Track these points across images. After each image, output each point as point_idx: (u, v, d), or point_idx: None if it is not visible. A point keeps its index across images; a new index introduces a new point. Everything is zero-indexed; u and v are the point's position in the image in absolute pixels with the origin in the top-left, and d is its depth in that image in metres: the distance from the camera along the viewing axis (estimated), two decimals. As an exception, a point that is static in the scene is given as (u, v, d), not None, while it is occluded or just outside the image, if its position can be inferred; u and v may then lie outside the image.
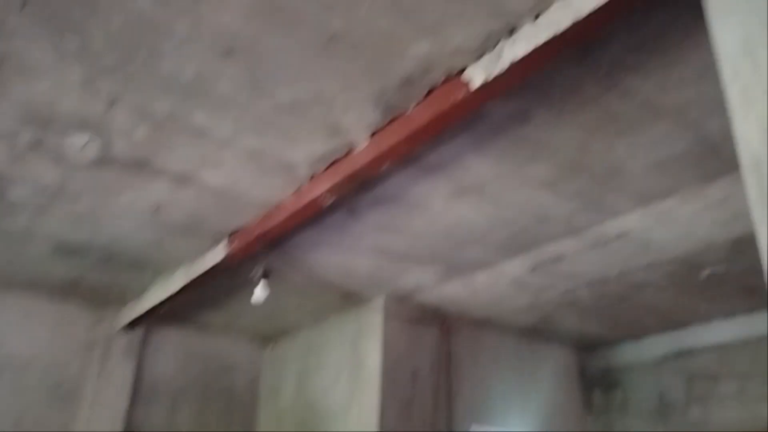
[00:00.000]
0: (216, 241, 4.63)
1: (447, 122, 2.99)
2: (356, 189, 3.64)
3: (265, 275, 4.23)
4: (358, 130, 3.27)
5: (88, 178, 3.81)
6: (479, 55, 2.70)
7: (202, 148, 3.49)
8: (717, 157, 3.41)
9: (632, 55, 2.66)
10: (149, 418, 6.32)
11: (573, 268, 4.86)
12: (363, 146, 3.36)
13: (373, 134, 3.29)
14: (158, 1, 2.49)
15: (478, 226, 4.26)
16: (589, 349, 7.13)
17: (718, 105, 2.88)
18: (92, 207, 4.18)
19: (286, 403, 6.66)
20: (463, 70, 2.79)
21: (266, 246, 4.31)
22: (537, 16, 2.45)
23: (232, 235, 4.48)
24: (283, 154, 3.51)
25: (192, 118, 3.23)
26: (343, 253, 4.75)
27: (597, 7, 2.21)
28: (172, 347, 6.70)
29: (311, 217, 3.97)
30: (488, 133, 3.24)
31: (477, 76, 2.70)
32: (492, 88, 2.70)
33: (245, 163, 3.62)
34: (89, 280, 5.58)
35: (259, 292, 4.23)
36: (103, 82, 2.96)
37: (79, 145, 3.46)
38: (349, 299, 5.70)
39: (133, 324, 6.09)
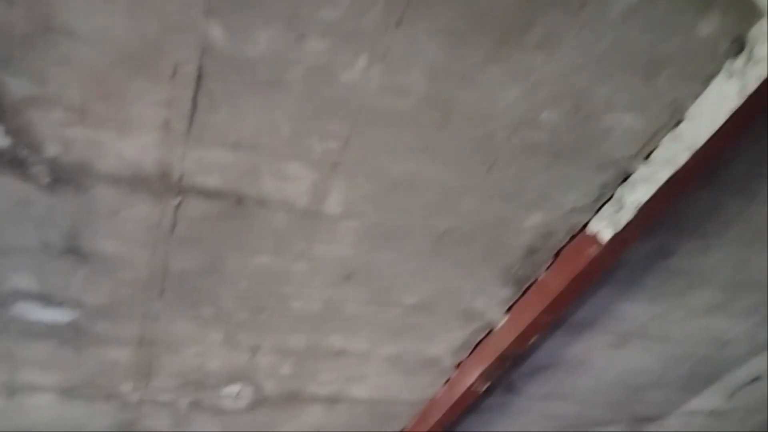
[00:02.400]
0: (379, 450, 4.45)
1: (585, 280, 2.80)
2: (508, 367, 3.42)
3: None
4: (493, 309, 3.14)
5: (247, 421, 3.85)
6: (598, 208, 2.56)
7: (344, 368, 3.46)
8: None
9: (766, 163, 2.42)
10: None
11: (778, 384, 4.19)
12: (503, 323, 3.20)
13: (509, 309, 3.14)
14: (275, 253, 2.60)
15: (652, 369, 3.83)
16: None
17: None
18: (255, 446, 4.19)
19: None
20: (585, 225, 2.66)
21: (431, 444, 4.08)
22: (648, 156, 2.31)
23: (395, 440, 4.30)
24: (423, 352, 3.41)
25: (328, 344, 3.24)
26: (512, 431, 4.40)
27: (712, 134, 2.04)
28: None
29: (469, 405, 3.75)
30: (632, 277, 3.00)
31: (603, 228, 2.55)
32: (624, 236, 2.52)
33: (388, 371, 3.54)
34: None
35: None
36: (242, 335, 3.06)
37: (233, 395, 3.54)
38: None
39: None
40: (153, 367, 3.17)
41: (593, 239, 2.60)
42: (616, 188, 2.47)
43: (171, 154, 2.07)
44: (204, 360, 3.21)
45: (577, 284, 2.79)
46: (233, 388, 3.51)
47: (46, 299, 2.62)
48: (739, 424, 4.72)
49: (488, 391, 3.65)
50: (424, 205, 2.46)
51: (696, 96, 2.10)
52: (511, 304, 3.11)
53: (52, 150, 1.99)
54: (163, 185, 2.18)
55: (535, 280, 2.95)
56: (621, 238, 2.51)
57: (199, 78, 1.87)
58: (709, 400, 4.25)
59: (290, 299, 2.89)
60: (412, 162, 2.24)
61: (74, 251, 2.40)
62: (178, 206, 2.29)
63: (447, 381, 3.72)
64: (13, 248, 2.34)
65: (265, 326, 3.03)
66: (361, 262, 2.72)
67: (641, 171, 2.34)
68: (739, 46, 1.95)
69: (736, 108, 1.95)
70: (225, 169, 2.17)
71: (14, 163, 2.01)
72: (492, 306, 3.11)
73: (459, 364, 3.57)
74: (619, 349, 3.55)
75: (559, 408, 4.15)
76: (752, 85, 1.89)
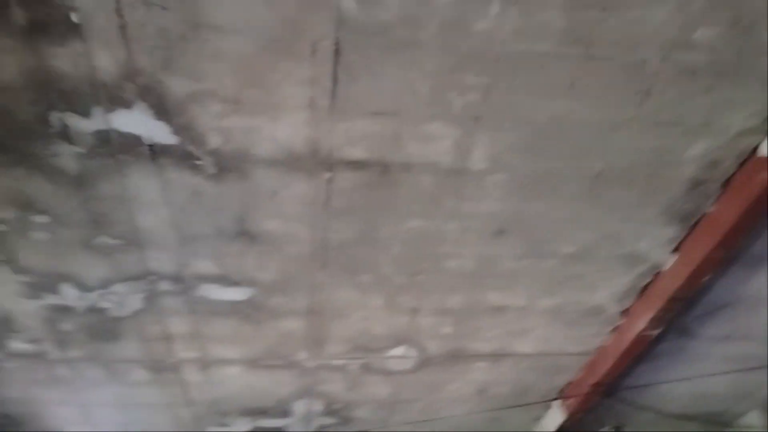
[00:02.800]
0: (549, 404, 4.41)
1: (759, 208, 2.55)
2: (680, 310, 3.22)
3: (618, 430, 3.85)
4: (658, 250, 2.96)
5: (415, 381, 3.99)
6: (771, 126, 2.32)
7: (506, 323, 3.45)
8: None
9: None
10: None
11: None
12: (670, 264, 3.01)
13: (676, 248, 2.95)
14: (425, 215, 2.64)
15: None
16: None
17: None
18: (426, 405, 4.32)
19: None
20: (756, 149, 2.41)
21: (604, 394, 3.96)
22: (828, 60, 2.04)
23: (564, 392, 4.23)
24: (585, 302, 3.31)
25: (487, 301, 3.24)
26: (691, 378, 4.15)
27: None
28: None
29: (641, 351, 3.59)
30: (819, 199, 2.68)
31: (778, 148, 2.30)
32: (803, 154, 2.26)
33: (550, 323, 3.48)
34: (443, 470, 5.67)
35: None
36: (401, 298, 3.16)
37: (399, 357, 3.67)
38: (717, 422, 4.87)
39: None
40: (324, 335, 3.37)
41: (765, 162, 2.36)
42: (790, 103, 2.21)
43: (319, 131, 2.16)
44: (369, 325, 3.35)
45: (752, 213, 2.56)
46: (398, 350, 3.64)
47: (225, 280, 2.87)
48: None
49: (660, 337, 3.47)
50: (575, 147, 2.36)
51: None
52: (678, 243, 2.92)
53: (214, 141, 2.15)
54: (315, 162, 2.29)
55: (704, 214, 2.74)
56: (801, 156, 2.25)
57: (337, 52, 1.92)
58: None
59: (445, 259, 2.92)
60: (557, 103, 2.16)
61: (244, 233, 2.60)
62: (329, 181, 2.39)
63: (614, 329, 3.58)
64: (192, 236, 2.58)
65: (423, 288, 3.10)
66: (512, 215, 2.68)
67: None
68: None
69: None
70: (369, 138, 2.23)
71: (184, 158, 2.21)
72: (657, 247, 2.94)
73: (625, 311, 3.42)
74: (809, 280, 3.22)
75: (743, 349, 3.85)
76: None
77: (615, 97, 2.15)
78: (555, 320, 3.47)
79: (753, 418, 4.77)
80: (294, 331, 3.30)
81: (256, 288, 2.94)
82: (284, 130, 2.13)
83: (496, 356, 3.79)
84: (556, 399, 4.31)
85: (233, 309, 3.07)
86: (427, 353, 3.68)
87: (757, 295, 3.34)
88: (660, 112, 2.23)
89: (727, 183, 2.59)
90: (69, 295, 2.81)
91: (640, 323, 3.31)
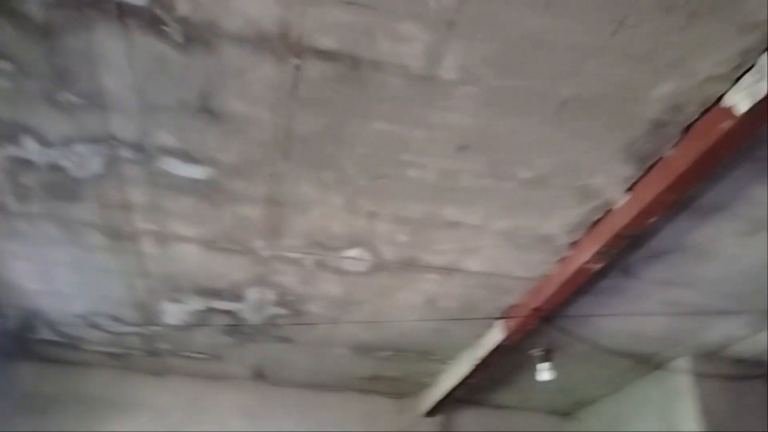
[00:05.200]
0: (492, 323, 4.61)
1: (716, 157, 2.62)
2: (625, 248, 3.34)
3: (547, 357, 4.04)
4: (612, 187, 3.04)
5: (367, 285, 4.13)
6: (737, 77, 2.34)
7: (459, 239, 3.56)
8: None
9: None
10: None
11: None
12: (622, 203, 3.10)
13: (630, 188, 3.02)
14: (392, 119, 2.67)
15: (789, 260, 3.57)
16: None
17: None
18: (376, 309, 4.50)
19: (602, 480, 6.15)
20: (721, 98, 2.45)
21: (543, 320, 4.15)
22: (801, 16, 2.05)
23: (507, 314, 4.42)
24: (537, 228, 3.41)
25: (444, 215, 3.33)
26: (627, 316, 4.35)
27: None
28: (474, 429, 6.72)
29: (583, 284, 3.74)
30: (772, 156, 2.75)
31: (740, 100, 2.34)
32: (763, 109, 2.30)
33: (502, 245, 3.59)
34: (387, 373, 5.95)
35: (545, 373, 4.04)
36: (362, 201, 3.23)
37: (354, 258, 3.79)
38: (647, 364, 5.14)
39: (433, 411, 6.29)
40: (281, 226, 3.45)
41: (728, 112, 2.39)
42: (759, 55, 2.22)
43: (290, 13, 2.14)
44: (327, 222, 3.43)
45: (708, 162, 2.62)
46: (354, 252, 3.75)
47: (186, 156, 2.90)
48: None
49: (603, 272, 3.61)
50: (545, 69, 2.37)
51: None
52: (632, 183, 2.99)
53: (182, 8, 2.12)
54: (284, 45, 2.28)
55: (661, 157, 2.80)
56: (760, 110, 2.29)
57: (315, -69, 1.88)
58: None
59: (407, 167, 2.97)
60: (533, 20, 2.15)
61: (207, 110, 2.61)
62: (298, 68, 2.39)
63: (561, 259, 3.71)
64: (155, 106, 2.58)
65: (384, 193, 3.16)
66: (478, 131, 2.71)
67: (792, 33, 2.09)
68: None
69: None
70: (341, 28, 2.21)
71: (151, 22, 2.18)
72: (612, 183, 3.01)
73: (574, 243, 3.54)
74: (751, 236, 3.32)
75: (680, 295, 4.02)
76: None
77: (590, 21, 2.14)
78: (506, 243, 3.58)
79: (681, 363, 5.05)
80: (251, 218, 3.38)
81: (216, 168, 2.98)
82: (255, 6, 2.11)
83: (447, 270, 3.92)
84: (498, 318, 4.51)
85: (193, 186, 3.12)
86: (381, 258, 3.79)
87: (701, 245, 3.46)
88: (632, 45, 2.23)
89: (688, 129, 2.63)
90: (30, 148, 2.83)
91: (585, 256, 3.43)
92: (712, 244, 3.46)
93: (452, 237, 3.54)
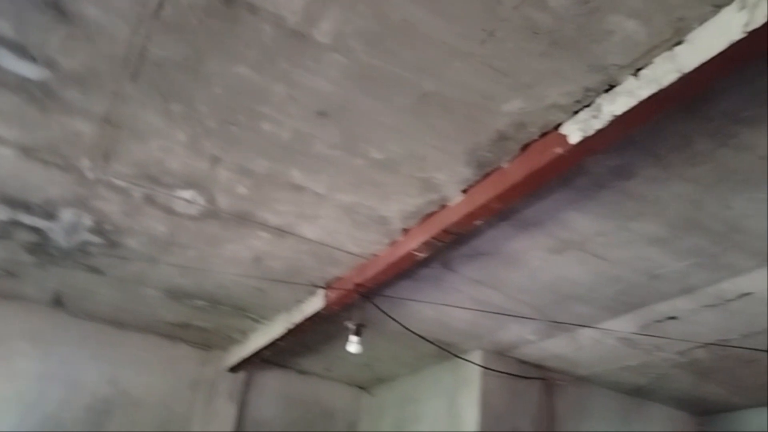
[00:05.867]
0: (314, 290, 4.69)
1: (544, 177, 2.87)
2: (450, 243, 3.56)
3: (358, 332, 4.21)
4: (451, 185, 3.22)
5: (195, 230, 4.00)
6: (576, 111, 2.58)
7: (299, 204, 3.57)
8: None
9: (748, 109, 2.44)
10: (252, 458, 6.44)
11: (688, 328, 4.47)
12: (456, 201, 3.30)
13: (466, 190, 3.23)
14: (256, 68, 2.59)
15: (583, 282, 4.03)
16: (708, 413, 6.49)
17: None
18: (199, 256, 4.37)
19: (385, 451, 6.56)
20: (559, 125, 2.69)
21: (363, 296, 4.30)
22: (638, 71, 2.31)
23: (330, 284, 4.52)
24: (376, 209, 3.52)
25: (289, 176, 3.32)
26: (438, 306, 4.66)
27: (704, 62, 2.04)
28: (274, 391, 6.82)
29: (406, 269, 3.94)
30: (589, 188, 3.08)
31: (574, 132, 2.58)
32: (591, 143, 2.57)
33: (340, 218, 3.66)
34: (197, 323, 5.83)
35: (354, 345, 4.21)
36: (207, 142, 3.11)
37: (187, 199, 3.64)
38: (446, 352, 5.54)
39: (237, 367, 6.27)
40: (114, 150, 3.22)
41: (563, 139, 2.63)
42: (598, 95, 2.47)
43: (171, -73, 2.00)
44: (165, 156, 3.25)
45: (536, 179, 2.87)
46: (187, 193, 3.60)
47: (22, 50, 2.59)
48: (643, 354, 5.07)
49: (426, 261, 3.82)
50: (416, 59, 2.44)
51: (703, 20, 2.07)
52: (468, 185, 3.19)
53: None
54: (158, -41, 2.12)
55: (498, 167, 3.01)
56: (589, 144, 2.55)
57: None
58: (624, 325, 4.51)
59: (262, 120, 2.91)
60: (416, 8, 2.20)
61: (56, 7, 2.35)
62: (168, -13, 2.24)
63: (391, 243, 3.87)
64: (-5, -15, 2.29)
65: (232, 140, 3.07)
66: (340, 101, 2.73)
67: (627, 84, 2.34)
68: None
69: (737, 41, 1.94)
70: (223, -41, 2.11)
71: None
72: (451, 182, 3.19)
73: (406, 230, 3.71)
74: (558, 254, 3.71)
75: (488, 295, 4.38)
76: (759, 21, 1.87)
77: (465, 25, 2.24)
78: (345, 217, 3.65)
79: (475, 356, 5.51)
80: (83, 134, 3.12)
81: (54, 72, 2.70)
82: None
83: (281, 232, 3.92)
84: (321, 287, 4.59)
85: (23, 86, 2.80)
86: (215, 205, 3.69)
87: (514, 253, 3.79)
88: (496, 58, 2.38)
89: (526, 147, 2.85)
90: None
91: (413, 243, 3.60)
92: (524, 255, 3.80)
93: (293, 200, 3.54)
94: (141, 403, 6.04)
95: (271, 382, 6.81)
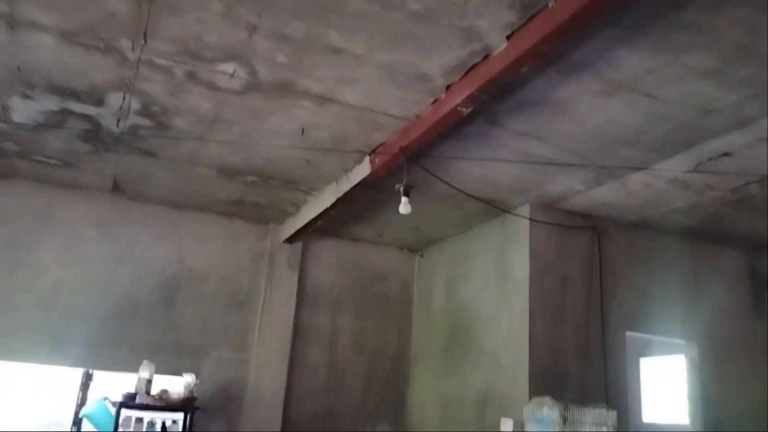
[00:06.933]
0: (361, 157, 4.75)
1: (593, 13, 2.73)
2: (495, 95, 3.51)
3: (407, 192, 4.27)
4: (494, 32, 3.11)
5: (239, 104, 4.03)
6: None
7: (339, 68, 3.52)
8: None
9: None
10: (315, 321, 6.89)
11: (742, 164, 4.39)
12: (501, 49, 3.20)
13: (510, 35, 3.12)
14: None
15: (632, 124, 3.95)
16: (761, 249, 6.53)
17: None
18: (246, 131, 4.44)
19: (438, 307, 6.91)
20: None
21: (409, 159, 4.33)
22: None
23: (375, 150, 4.56)
24: (417, 65, 3.46)
25: (327, 38, 3.25)
26: (485, 163, 4.67)
27: None
28: (330, 258, 7.15)
29: (451, 127, 3.92)
30: (639, 22, 2.93)
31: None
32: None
33: (381, 79, 3.62)
34: (251, 198, 6.03)
35: (403, 207, 4.30)
36: (241, 10, 3.05)
37: (228, 73, 3.64)
38: (494, 208, 5.64)
39: (293, 238, 6.55)
40: (151, 27, 3.20)
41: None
42: None
43: None
44: (202, 29, 3.22)
45: (584, 17, 2.73)
46: (228, 66, 3.59)
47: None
48: (694, 195, 5.04)
49: (471, 117, 3.79)
50: None
51: None
52: (513, 30, 3.07)
53: None
54: None
55: (545, 6, 2.88)
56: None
57: None
58: (675, 165, 4.45)
59: (294, -22, 2.82)
60: None
61: None
62: None
63: (434, 101, 3.82)
64: None
65: (267, 4, 2.99)
66: (373, -50, 2.61)
67: None
68: None
69: None
70: None
71: None
72: (494, 28, 3.07)
73: (449, 86, 3.65)
74: (607, 97, 3.61)
75: (534, 147, 4.35)
76: None
77: None
78: (386, 77, 3.60)
79: (523, 211, 5.59)
80: (117, 13, 3.09)
81: (81, -54, 2.64)
82: None
83: (323, 99, 3.91)
84: (368, 153, 4.64)
85: (52, -35, 2.76)
86: (256, 77, 3.68)
87: (561, 100, 3.71)
88: None
89: (573, -18, 2.71)
90: None
91: (457, 99, 3.55)
92: (571, 101, 3.72)
93: (333, 64, 3.49)
94: (207, 278, 6.45)
95: (327, 250, 7.13)
